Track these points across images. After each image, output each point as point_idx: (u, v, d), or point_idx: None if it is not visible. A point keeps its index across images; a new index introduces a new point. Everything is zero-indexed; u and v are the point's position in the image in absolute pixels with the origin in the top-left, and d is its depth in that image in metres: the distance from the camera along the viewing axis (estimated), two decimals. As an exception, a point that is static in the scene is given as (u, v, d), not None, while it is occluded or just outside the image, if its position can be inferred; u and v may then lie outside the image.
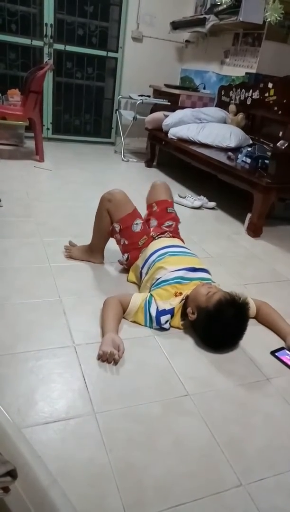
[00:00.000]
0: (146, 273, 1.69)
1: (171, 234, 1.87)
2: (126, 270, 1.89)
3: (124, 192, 1.77)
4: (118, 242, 1.82)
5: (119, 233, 1.76)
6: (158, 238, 1.82)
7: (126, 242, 1.78)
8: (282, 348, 1.50)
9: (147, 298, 1.53)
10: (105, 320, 1.45)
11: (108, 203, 1.74)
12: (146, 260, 1.72)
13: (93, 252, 1.94)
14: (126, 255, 1.81)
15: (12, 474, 0.67)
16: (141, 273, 1.75)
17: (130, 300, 1.53)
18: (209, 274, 1.68)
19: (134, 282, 1.82)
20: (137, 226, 1.75)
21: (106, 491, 0.93)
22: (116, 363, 1.31)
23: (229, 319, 1.38)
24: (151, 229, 1.89)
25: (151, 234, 1.83)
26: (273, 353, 1.48)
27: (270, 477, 1.02)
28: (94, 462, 0.99)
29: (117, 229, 1.75)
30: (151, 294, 1.54)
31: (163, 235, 1.84)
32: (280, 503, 0.96)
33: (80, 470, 0.97)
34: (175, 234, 1.92)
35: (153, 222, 1.94)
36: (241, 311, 1.41)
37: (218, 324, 1.40)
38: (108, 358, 1.30)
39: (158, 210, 1.95)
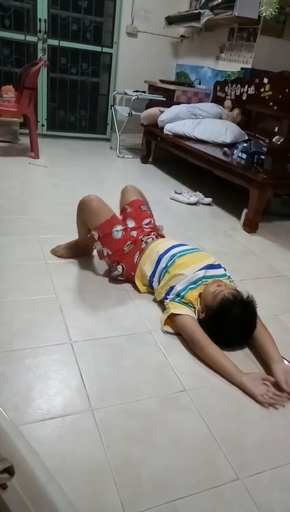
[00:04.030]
0: (160, 280, 1.65)
1: (156, 233, 1.83)
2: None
3: (99, 198, 1.70)
4: (101, 255, 1.71)
5: (99, 241, 1.67)
6: (148, 240, 1.76)
7: (109, 252, 1.68)
8: None
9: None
10: (220, 364, 1.32)
11: (81, 212, 1.69)
12: (156, 268, 1.66)
13: (82, 247, 1.92)
14: (119, 266, 1.71)
15: (9, 471, 0.67)
16: (151, 281, 1.68)
17: (196, 324, 1.44)
18: (224, 269, 1.65)
19: (146, 292, 1.73)
20: (118, 233, 1.67)
21: (103, 487, 0.93)
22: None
23: (233, 318, 1.38)
24: (134, 232, 1.79)
25: (139, 237, 1.76)
26: None
27: (267, 470, 1.03)
28: (92, 458, 0.99)
29: (96, 236, 1.66)
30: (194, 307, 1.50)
31: (148, 236, 1.78)
32: (276, 496, 0.97)
33: (78, 467, 0.97)
34: (157, 231, 1.87)
35: (131, 223, 1.86)
36: (246, 309, 1.40)
37: (222, 322, 1.39)
38: (272, 396, 1.21)
39: (132, 210, 1.91)
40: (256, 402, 1.22)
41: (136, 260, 1.73)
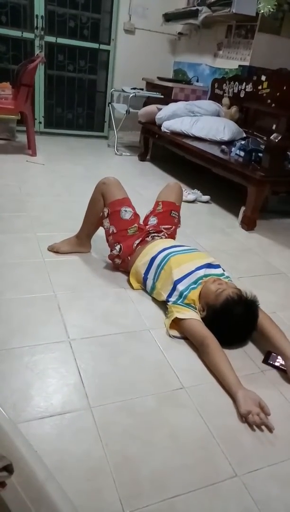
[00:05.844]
0: (155, 279, 1.64)
1: (166, 235, 1.85)
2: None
3: (119, 181, 1.80)
4: (107, 233, 1.78)
5: (107, 218, 1.75)
6: (154, 236, 1.80)
7: (114, 230, 1.74)
8: (269, 353, 1.43)
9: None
10: (223, 373, 1.27)
11: (103, 185, 1.77)
12: (150, 265, 1.67)
13: (81, 241, 1.93)
14: (118, 246, 1.75)
15: (8, 469, 0.67)
16: (145, 279, 1.69)
17: (204, 328, 1.41)
18: (223, 269, 1.66)
19: (139, 288, 1.75)
20: (126, 213, 1.74)
21: (102, 484, 0.94)
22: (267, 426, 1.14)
23: (236, 318, 1.38)
24: (150, 225, 1.87)
25: (148, 228, 1.81)
26: (266, 362, 1.42)
27: (265, 467, 1.03)
28: (90, 456, 1.00)
29: (106, 213, 1.75)
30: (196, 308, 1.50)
31: (158, 234, 1.82)
32: (274, 493, 0.97)
33: (77, 464, 0.97)
34: (171, 236, 1.89)
35: (153, 221, 1.89)
36: (249, 309, 1.40)
37: (225, 321, 1.39)
38: (256, 419, 1.13)
39: (162, 210, 1.91)
40: (241, 415, 1.16)
41: (134, 246, 1.74)
